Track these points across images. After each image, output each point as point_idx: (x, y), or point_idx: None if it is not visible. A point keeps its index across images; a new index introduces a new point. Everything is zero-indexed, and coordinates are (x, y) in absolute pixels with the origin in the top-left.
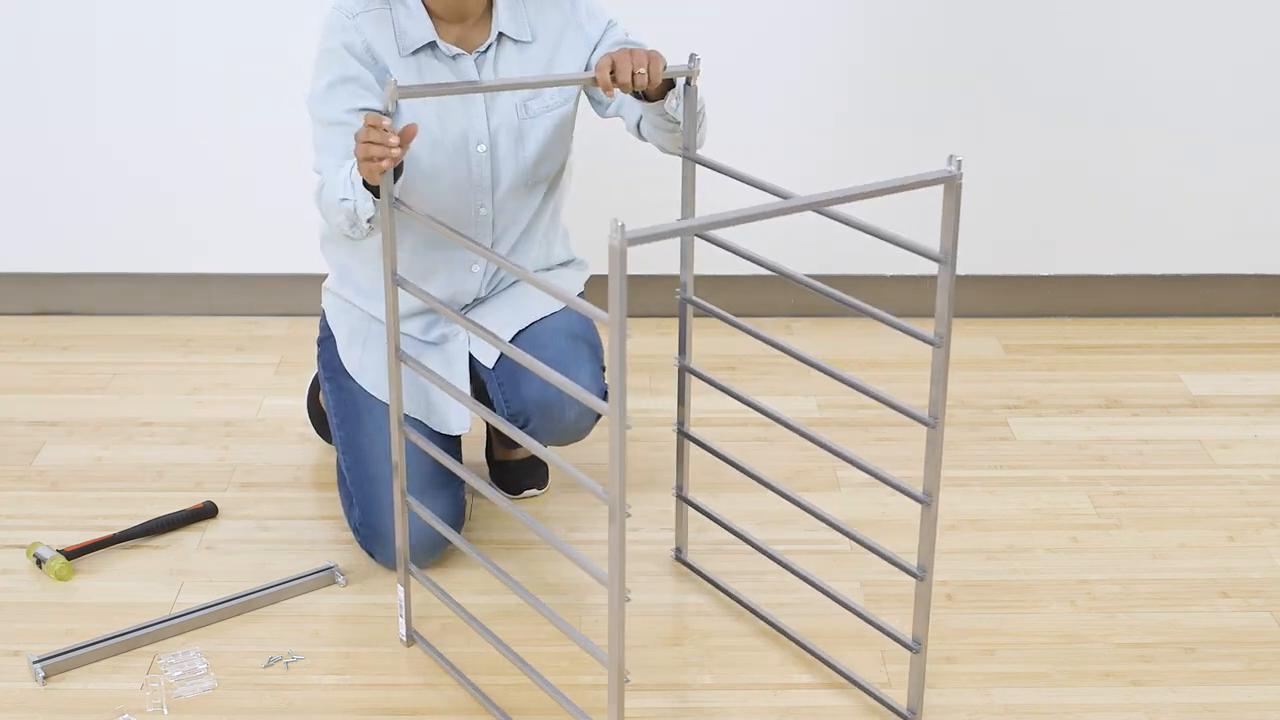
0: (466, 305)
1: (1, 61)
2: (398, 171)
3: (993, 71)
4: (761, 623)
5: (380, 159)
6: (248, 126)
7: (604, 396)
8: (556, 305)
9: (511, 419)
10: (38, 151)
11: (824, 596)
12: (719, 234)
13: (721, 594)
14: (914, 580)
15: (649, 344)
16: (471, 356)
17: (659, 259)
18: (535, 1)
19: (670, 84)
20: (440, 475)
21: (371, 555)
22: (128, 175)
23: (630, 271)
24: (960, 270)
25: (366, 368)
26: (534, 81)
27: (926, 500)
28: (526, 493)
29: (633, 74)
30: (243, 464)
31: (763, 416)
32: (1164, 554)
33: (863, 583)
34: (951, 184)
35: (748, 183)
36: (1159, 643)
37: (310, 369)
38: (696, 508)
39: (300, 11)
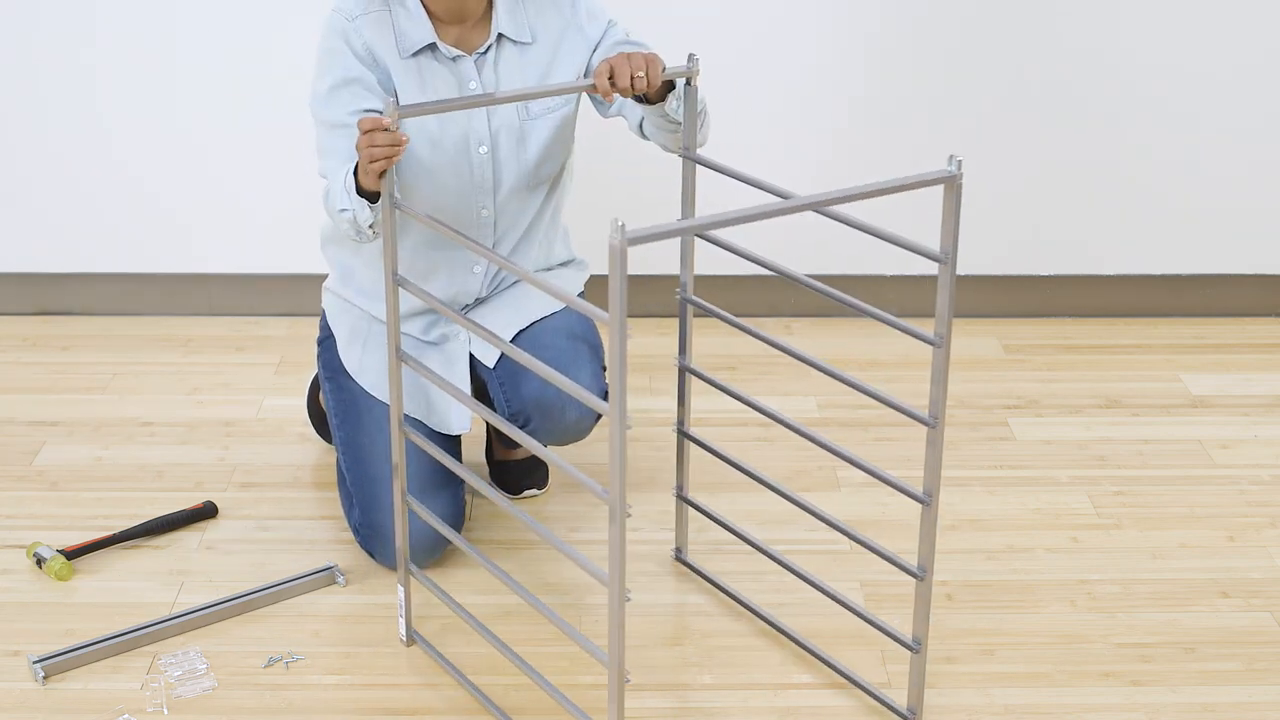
0: (467, 305)
1: (1, 62)
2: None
3: (993, 71)
4: (761, 623)
5: (386, 159)
6: (248, 127)
7: (604, 397)
8: (557, 305)
9: (512, 419)
10: (38, 152)
11: (824, 596)
12: (719, 234)
13: (721, 594)
14: (914, 580)
15: (649, 344)
16: (472, 356)
17: (659, 259)
18: (535, 3)
19: (671, 85)
20: (440, 475)
21: (371, 555)
22: (128, 175)
23: (630, 271)
24: (960, 270)
25: (366, 368)
26: (535, 92)
27: (927, 500)
28: (526, 493)
29: (631, 78)
30: (243, 464)
31: (763, 416)
32: (1164, 554)
33: (863, 583)
34: (952, 184)
35: (748, 182)
36: (1159, 643)
37: (310, 369)
38: (697, 508)
39: (300, 11)
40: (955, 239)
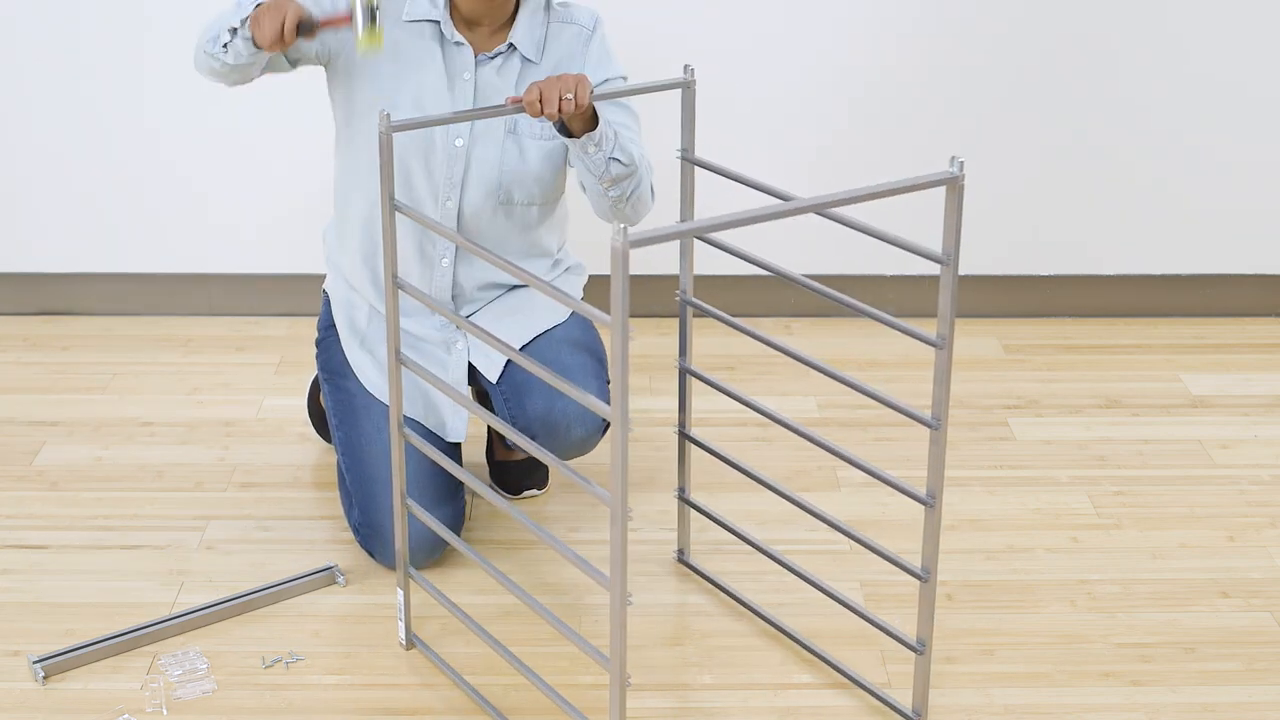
0: (467, 315)
1: (1, 64)
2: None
3: (993, 72)
4: (762, 623)
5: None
6: (248, 127)
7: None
8: (559, 316)
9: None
10: (38, 152)
11: (824, 597)
12: (718, 235)
13: (722, 594)
14: (915, 581)
15: (649, 344)
16: (474, 368)
17: (659, 259)
18: (556, 26)
19: (595, 123)
20: (440, 476)
21: (371, 555)
22: (128, 175)
23: (630, 272)
24: (960, 270)
25: (365, 365)
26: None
27: (930, 502)
28: (526, 493)
29: (560, 99)
30: (243, 464)
31: (762, 417)
32: (1164, 554)
33: (863, 583)
34: (954, 185)
35: (747, 184)
36: (1159, 643)
37: (310, 369)
38: (697, 508)
39: None
40: (957, 240)
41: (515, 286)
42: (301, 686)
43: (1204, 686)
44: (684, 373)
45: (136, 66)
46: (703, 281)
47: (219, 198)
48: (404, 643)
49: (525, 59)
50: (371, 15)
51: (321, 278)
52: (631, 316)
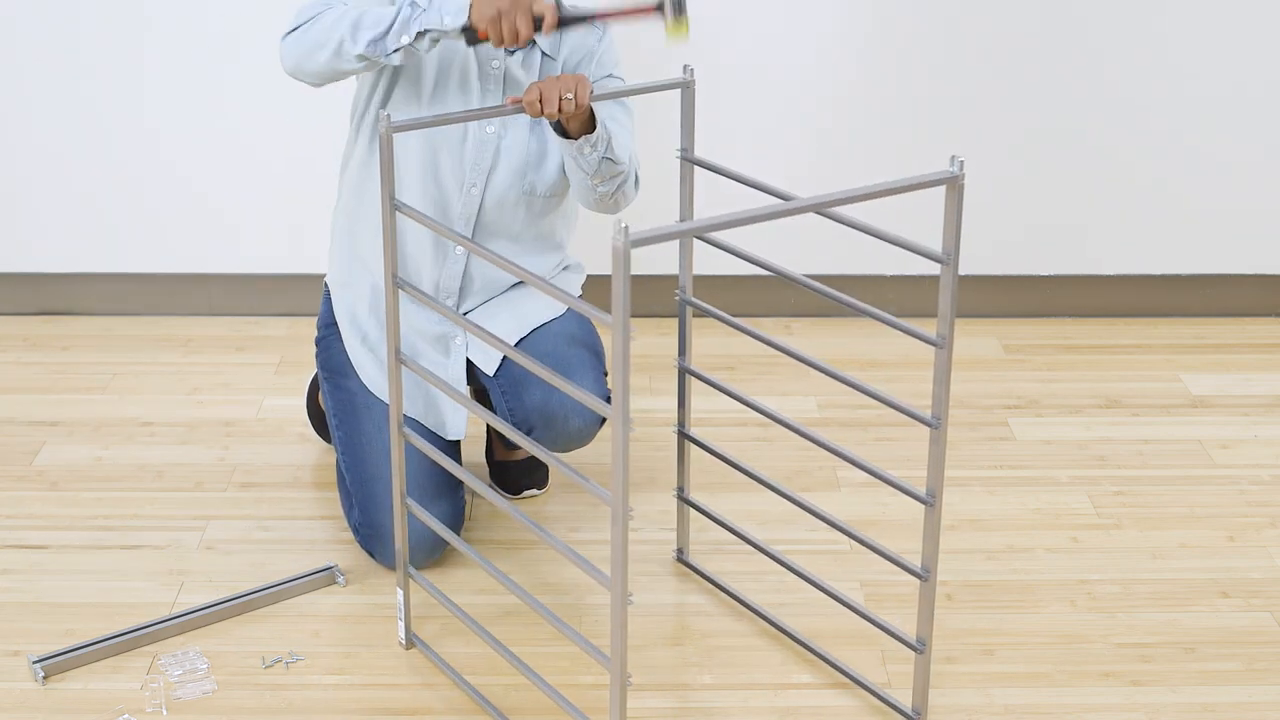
0: (466, 311)
1: (0, 63)
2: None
3: (993, 71)
4: (762, 623)
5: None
6: (248, 127)
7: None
8: (557, 309)
9: (515, 428)
10: (38, 152)
11: (824, 596)
12: (718, 235)
13: (722, 594)
14: (915, 580)
15: (649, 344)
16: (472, 363)
17: (658, 259)
18: (576, 30)
19: (594, 126)
20: (440, 476)
21: (371, 555)
22: (128, 175)
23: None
24: (960, 270)
25: (367, 363)
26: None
27: (930, 501)
28: (526, 493)
29: (560, 99)
30: (243, 464)
31: (762, 416)
32: (1164, 554)
33: (863, 583)
34: (954, 185)
35: (747, 184)
36: (1159, 643)
37: (310, 369)
38: (697, 508)
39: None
40: (957, 240)
41: (519, 282)
42: (301, 686)
43: (1204, 686)
44: (683, 372)
45: (137, 66)
46: (703, 281)
47: (219, 198)
48: (404, 643)
49: (544, 54)
50: (681, 5)
51: (321, 276)
52: (632, 316)
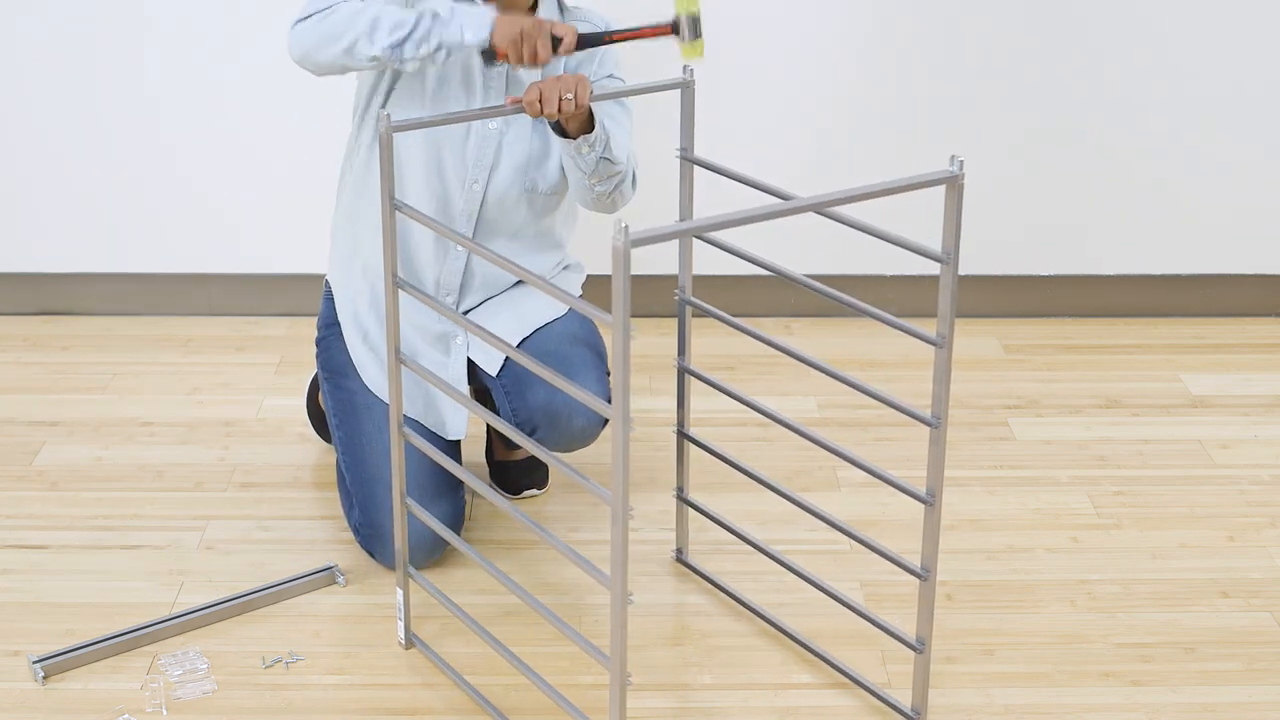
0: (467, 310)
1: (1, 62)
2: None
3: (993, 71)
4: (762, 623)
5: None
6: (248, 127)
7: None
8: (558, 310)
9: (518, 427)
10: (38, 152)
11: (824, 596)
12: (718, 235)
13: (722, 594)
14: (915, 580)
15: (649, 344)
16: (473, 363)
17: (658, 259)
18: (572, 17)
19: (592, 126)
20: (440, 477)
21: (372, 555)
22: (128, 175)
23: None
24: (960, 270)
25: (368, 363)
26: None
27: (930, 500)
28: (526, 493)
29: (560, 99)
30: (243, 464)
31: (762, 416)
32: (1164, 554)
33: (863, 583)
34: (954, 184)
35: (747, 183)
36: (1159, 643)
37: (310, 369)
38: (697, 508)
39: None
40: (957, 239)
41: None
42: (301, 686)
43: (1204, 686)
44: (683, 372)
45: (137, 66)
46: (703, 281)
47: (219, 198)
48: (403, 643)
49: None
50: (697, 27)
51: (321, 276)
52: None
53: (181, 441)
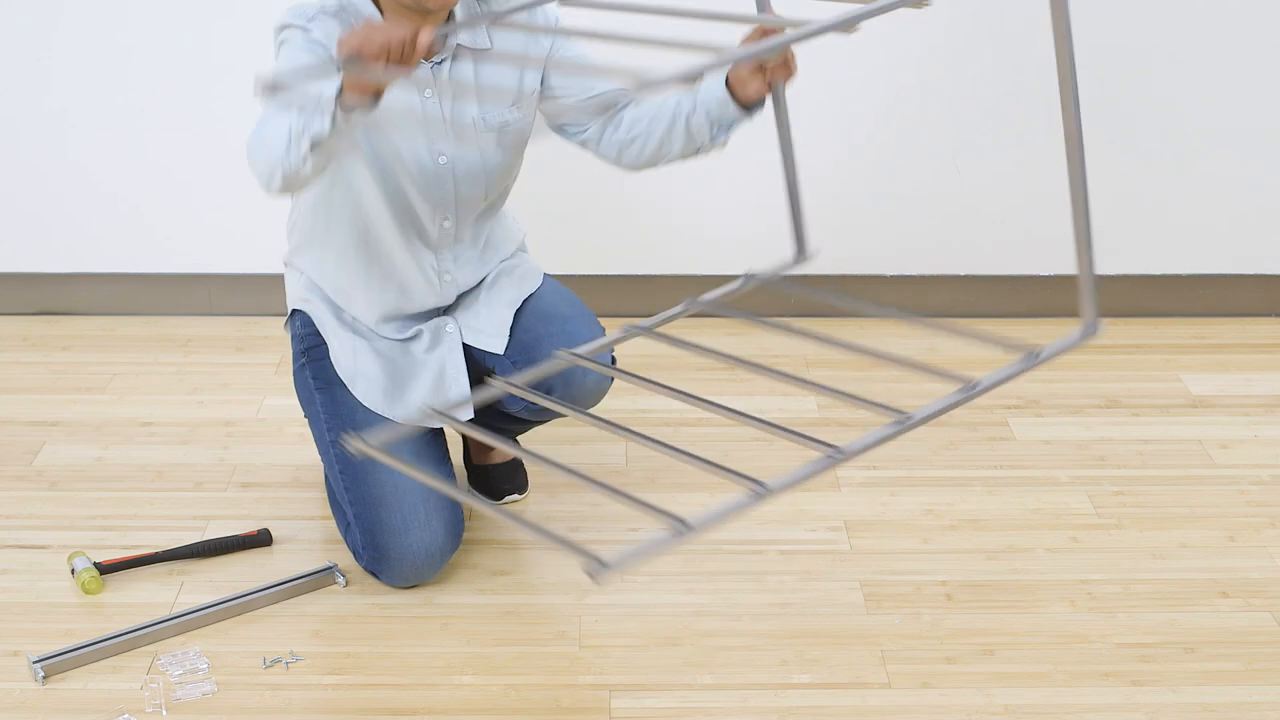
0: (445, 309)
1: (2, 61)
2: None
3: (992, 71)
4: (762, 623)
5: (398, 57)
6: (248, 127)
7: (610, 357)
8: (536, 281)
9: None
10: (38, 152)
11: (824, 596)
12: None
13: (722, 594)
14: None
15: (649, 344)
16: (470, 352)
17: (659, 259)
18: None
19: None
20: (435, 492)
21: (376, 576)
22: (127, 176)
23: (629, 271)
24: (960, 270)
25: (358, 376)
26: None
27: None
28: (508, 498)
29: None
30: (243, 464)
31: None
32: (1164, 554)
33: (863, 583)
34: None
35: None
36: (1159, 643)
37: None
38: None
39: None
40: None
41: (490, 271)
42: (301, 686)
43: (1204, 686)
44: None
45: (137, 66)
46: (704, 281)
47: (219, 198)
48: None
49: (474, 49)
50: (72, 570)
51: None
52: (631, 315)
53: (181, 441)
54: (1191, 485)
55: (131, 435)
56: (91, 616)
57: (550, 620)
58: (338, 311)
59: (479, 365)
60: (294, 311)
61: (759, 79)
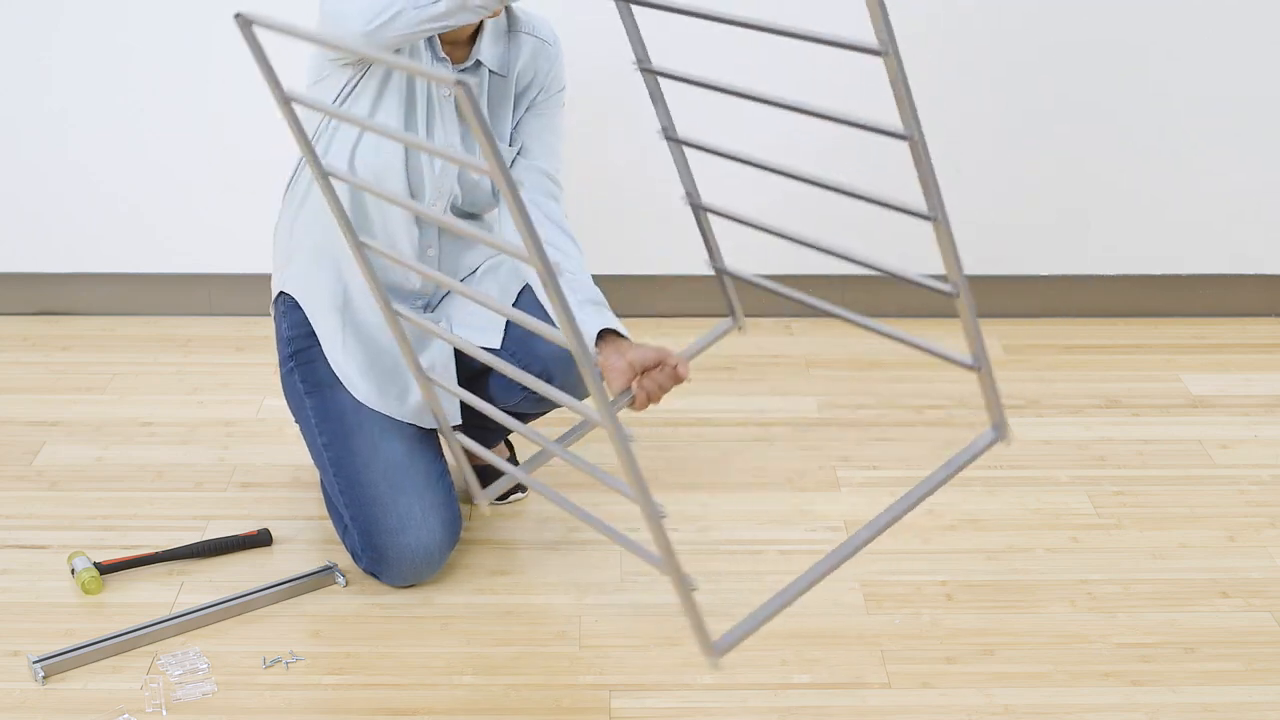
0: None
1: (5, 60)
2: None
3: (992, 70)
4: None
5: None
6: (249, 127)
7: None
8: (520, 280)
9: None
10: (38, 152)
11: (824, 596)
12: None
13: (722, 591)
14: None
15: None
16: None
17: (658, 259)
18: (517, 34)
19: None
20: (433, 489)
21: (376, 577)
22: (127, 176)
23: (629, 271)
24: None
25: (351, 371)
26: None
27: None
28: (510, 498)
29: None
30: (243, 464)
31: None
32: (1164, 554)
33: (863, 583)
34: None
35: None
36: (1159, 643)
37: None
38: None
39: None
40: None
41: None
42: (301, 686)
43: (1204, 686)
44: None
45: (136, 67)
46: (703, 281)
47: (219, 198)
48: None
49: (493, 72)
50: (72, 570)
51: None
52: (631, 316)
53: (181, 441)
54: (1191, 485)
55: (131, 435)
56: (91, 616)
57: (550, 620)
58: (335, 267)
59: (467, 366)
60: (280, 295)
61: (626, 378)
